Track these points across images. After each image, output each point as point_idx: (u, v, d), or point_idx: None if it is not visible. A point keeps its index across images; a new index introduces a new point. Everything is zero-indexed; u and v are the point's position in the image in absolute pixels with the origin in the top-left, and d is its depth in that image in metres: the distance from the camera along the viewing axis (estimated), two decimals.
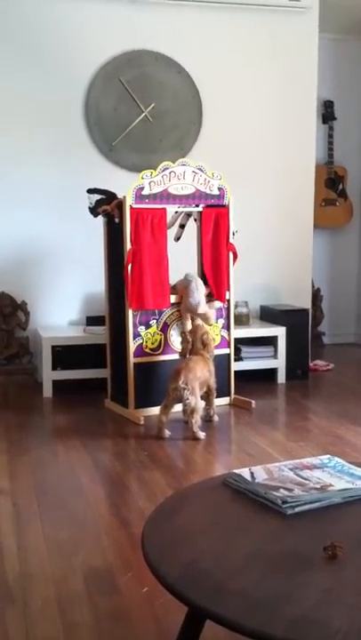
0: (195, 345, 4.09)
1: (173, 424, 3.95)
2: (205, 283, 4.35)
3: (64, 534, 2.70)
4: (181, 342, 4.22)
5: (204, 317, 4.25)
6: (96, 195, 4.39)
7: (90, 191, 4.42)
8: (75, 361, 4.79)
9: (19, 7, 4.98)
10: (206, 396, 4.12)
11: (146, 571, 1.65)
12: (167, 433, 3.87)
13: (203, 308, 4.22)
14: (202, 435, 3.83)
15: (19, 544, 2.60)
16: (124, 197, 4.13)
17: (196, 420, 3.84)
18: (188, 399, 3.82)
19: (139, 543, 1.76)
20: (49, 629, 2.06)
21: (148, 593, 2.21)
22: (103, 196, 4.36)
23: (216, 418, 4.19)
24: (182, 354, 4.16)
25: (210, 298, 4.35)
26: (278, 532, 1.74)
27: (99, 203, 4.37)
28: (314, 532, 1.72)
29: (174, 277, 4.36)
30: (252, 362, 5.07)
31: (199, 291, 4.24)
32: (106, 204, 4.31)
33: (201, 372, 3.96)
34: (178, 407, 3.92)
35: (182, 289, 4.29)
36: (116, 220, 4.20)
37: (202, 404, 4.00)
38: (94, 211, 4.39)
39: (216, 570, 1.54)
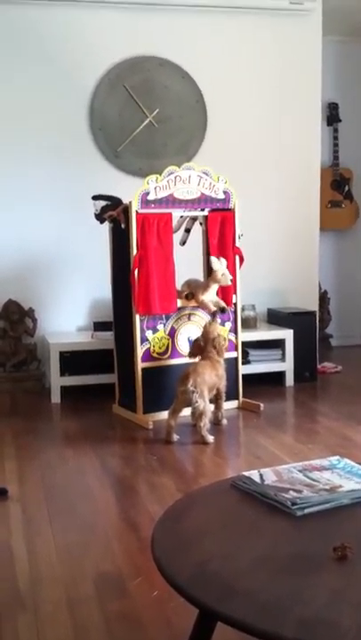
0: (205, 348, 4.09)
1: (182, 428, 3.95)
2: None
3: (74, 539, 2.70)
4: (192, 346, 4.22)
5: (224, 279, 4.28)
6: (101, 201, 4.40)
7: (95, 198, 4.42)
8: (83, 366, 4.80)
9: (23, 14, 5.00)
10: (215, 400, 4.12)
11: (156, 574, 1.65)
12: (176, 437, 3.87)
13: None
14: (210, 438, 3.83)
15: (29, 549, 2.61)
16: (130, 203, 4.14)
17: (205, 423, 3.83)
18: (196, 402, 3.81)
19: (149, 547, 1.76)
20: (60, 634, 2.06)
21: (159, 596, 2.21)
22: (109, 202, 4.37)
23: (225, 421, 4.18)
24: (192, 355, 4.15)
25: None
26: (288, 533, 1.74)
27: (104, 209, 4.37)
28: (323, 533, 1.72)
29: (180, 282, 4.37)
30: (260, 365, 5.06)
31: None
32: (111, 210, 4.31)
33: (209, 376, 3.95)
34: (186, 411, 3.92)
35: (196, 287, 4.33)
36: (122, 226, 4.21)
37: (211, 407, 3.99)
38: (100, 217, 4.40)
39: (226, 571, 1.54)
